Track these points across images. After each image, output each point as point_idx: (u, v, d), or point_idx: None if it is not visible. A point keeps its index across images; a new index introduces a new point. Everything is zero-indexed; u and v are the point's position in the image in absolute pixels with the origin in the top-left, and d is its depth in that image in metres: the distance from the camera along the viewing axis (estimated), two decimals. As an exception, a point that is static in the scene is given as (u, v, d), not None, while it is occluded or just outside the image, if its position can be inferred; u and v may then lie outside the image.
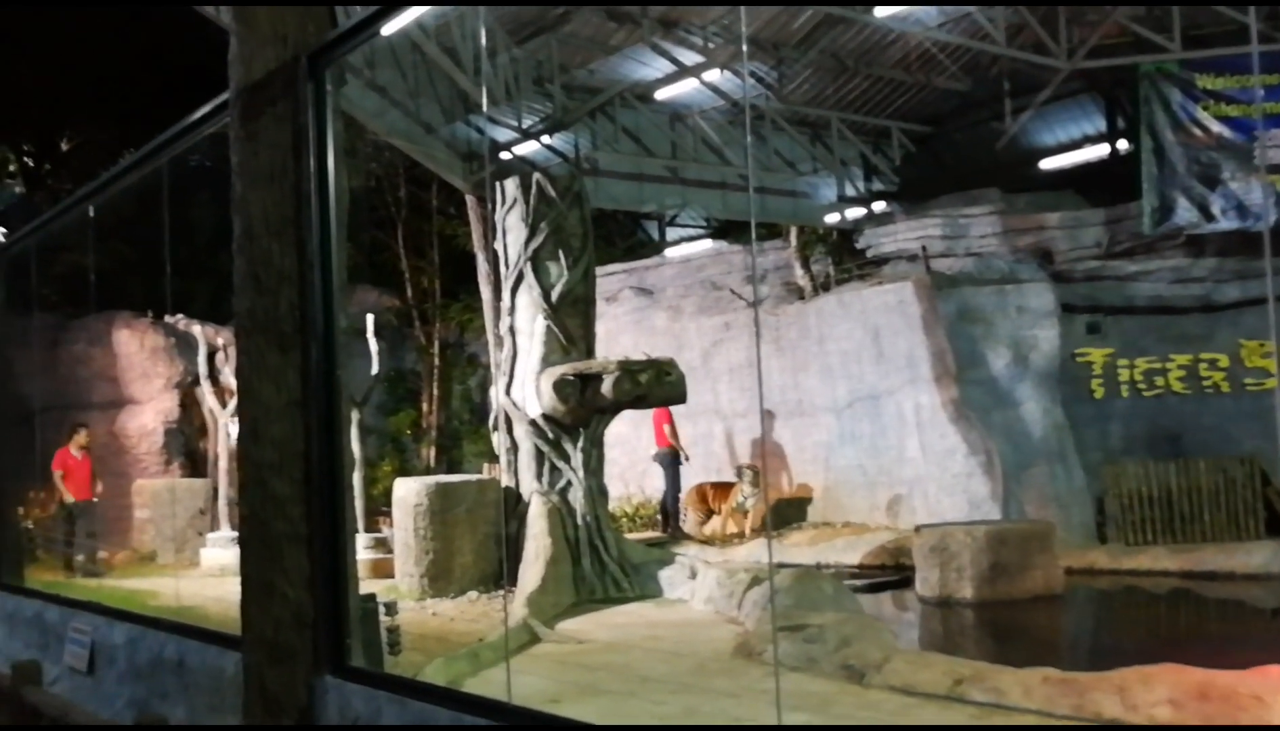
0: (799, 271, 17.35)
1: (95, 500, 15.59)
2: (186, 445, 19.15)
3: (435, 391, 20.94)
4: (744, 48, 14.55)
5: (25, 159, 32.11)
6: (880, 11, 13.13)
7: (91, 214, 10.45)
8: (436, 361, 21.07)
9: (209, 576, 13.59)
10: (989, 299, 14.82)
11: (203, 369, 16.20)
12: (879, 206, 17.60)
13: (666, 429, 15.47)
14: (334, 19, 5.80)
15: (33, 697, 5.78)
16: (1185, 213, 14.81)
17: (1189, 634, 10.40)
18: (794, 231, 17.48)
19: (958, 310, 14.73)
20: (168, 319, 17.70)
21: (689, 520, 15.67)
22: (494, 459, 14.71)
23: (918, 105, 17.10)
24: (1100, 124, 16.96)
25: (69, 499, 15.27)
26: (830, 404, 15.72)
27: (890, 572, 12.85)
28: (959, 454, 14.12)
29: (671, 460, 15.52)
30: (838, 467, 15.59)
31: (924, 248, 16.27)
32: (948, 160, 17.02)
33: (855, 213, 17.60)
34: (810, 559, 13.68)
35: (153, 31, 28.65)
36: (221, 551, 14.18)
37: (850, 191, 17.51)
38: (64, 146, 32.08)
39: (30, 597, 10.62)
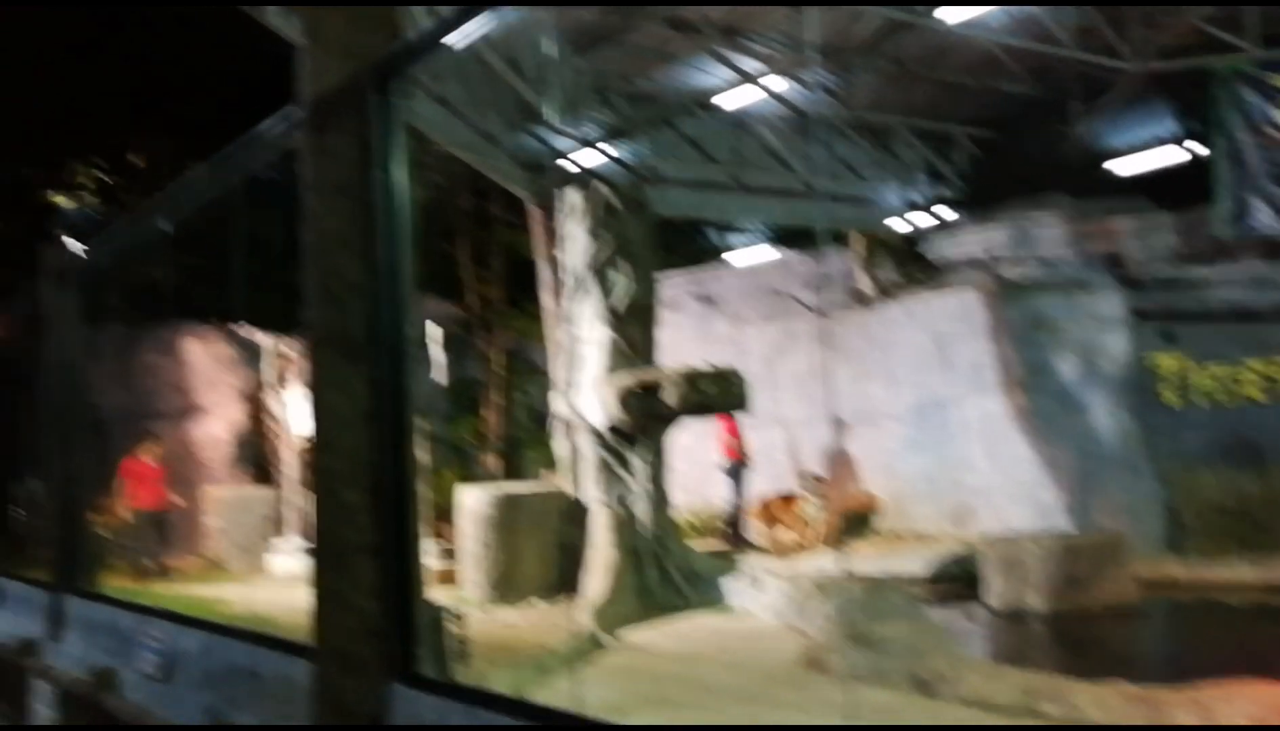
0: (862, 278, 17.20)
1: (159, 508, 15.81)
2: (253, 453, 19.37)
3: (497, 399, 21.03)
4: (811, 52, 14.44)
5: (98, 173, 32.84)
6: (945, 15, 12.96)
7: (166, 227, 10.62)
8: (499, 370, 21.16)
9: (278, 583, 13.76)
10: (1057, 305, 14.58)
11: (269, 378, 16.45)
12: (944, 212, 17.38)
13: (730, 439, 15.38)
14: (403, 32, 5.83)
15: (111, 704, 5.85)
16: (1262, 216, 14.42)
17: (1270, 648, 10.12)
18: (857, 238, 17.34)
19: (1025, 317, 14.51)
20: (236, 329, 17.98)
21: (756, 530, 15.56)
22: (555, 467, 14.73)
23: (983, 110, 16.85)
24: (1171, 126, 16.61)
25: (136, 506, 15.52)
26: (895, 412, 15.55)
27: (958, 583, 12.65)
28: (1027, 463, 13.90)
29: (736, 469, 15.43)
30: (903, 476, 15.40)
31: (990, 254, 16.05)
32: (1014, 165, 16.74)
33: (920, 219, 17.39)
34: (876, 569, 13.52)
35: (220, 45, 29.18)
36: (288, 558, 14.37)
37: (915, 198, 17.31)
38: (134, 160, 32.75)
39: (104, 603, 10.80)
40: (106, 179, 32.44)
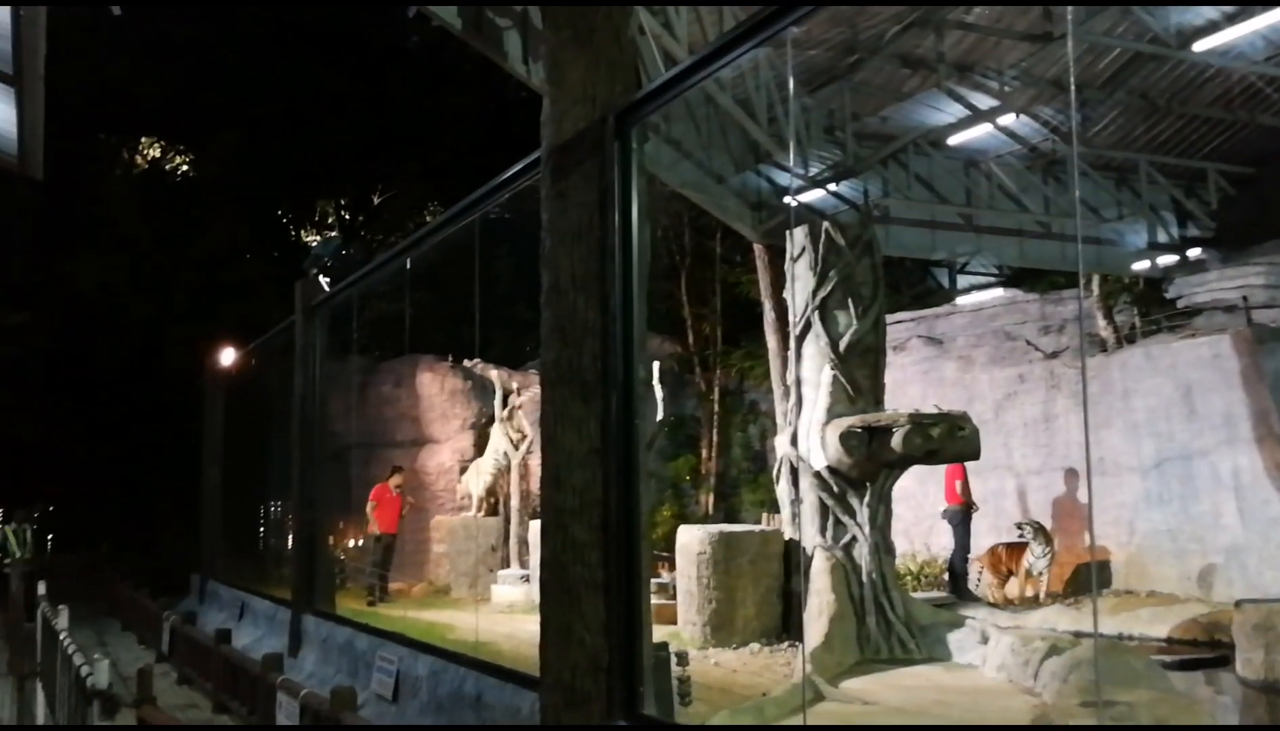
0: (1101, 322, 16.41)
1: (395, 534, 16.57)
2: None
3: (715, 438, 21.07)
4: (1049, 88, 13.96)
5: (343, 212, 34.89)
6: (1199, 47, 12.29)
7: (408, 266, 11.16)
8: (716, 408, 21.21)
9: (499, 612, 14.11)
10: (1321, 354, 13.52)
11: (498, 411, 16.97)
12: (1192, 253, 16.40)
13: (959, 485, 14.89)
14: (640, 79, 5.94)
15: (350, 722, 6.10)
16: None
17: None
18: (1096, 280, 16.57)
19: (1284, 366, 13.51)
20: (467, 363, 18.66)
21: (984, 581, 14.98)
22: (773, 508, 14.60)
23: (1238, 145, 15.85)
24: None
25: (376, 530, 16.28)
26: (1135, 463, 14.70)
27: (1204, 649, 11.83)
28: (1285, 522, 12.88)
29: (962, 517, 14.90)
30: (1143, 532, 14.53)
31: (1244, 297, 15.05)
32: (1273, 203, 15.66)
33: (1165, 260, 16.47)
34: (1113, 629, 12.79)
35: (458, 93, 30.62)
36: (510, 588, 14.71)
37: (1160, 238, 16.41)
38: (376, 200, 34.62)
39: (342, 624, 11.34)
40: (347, 217, 34.45)
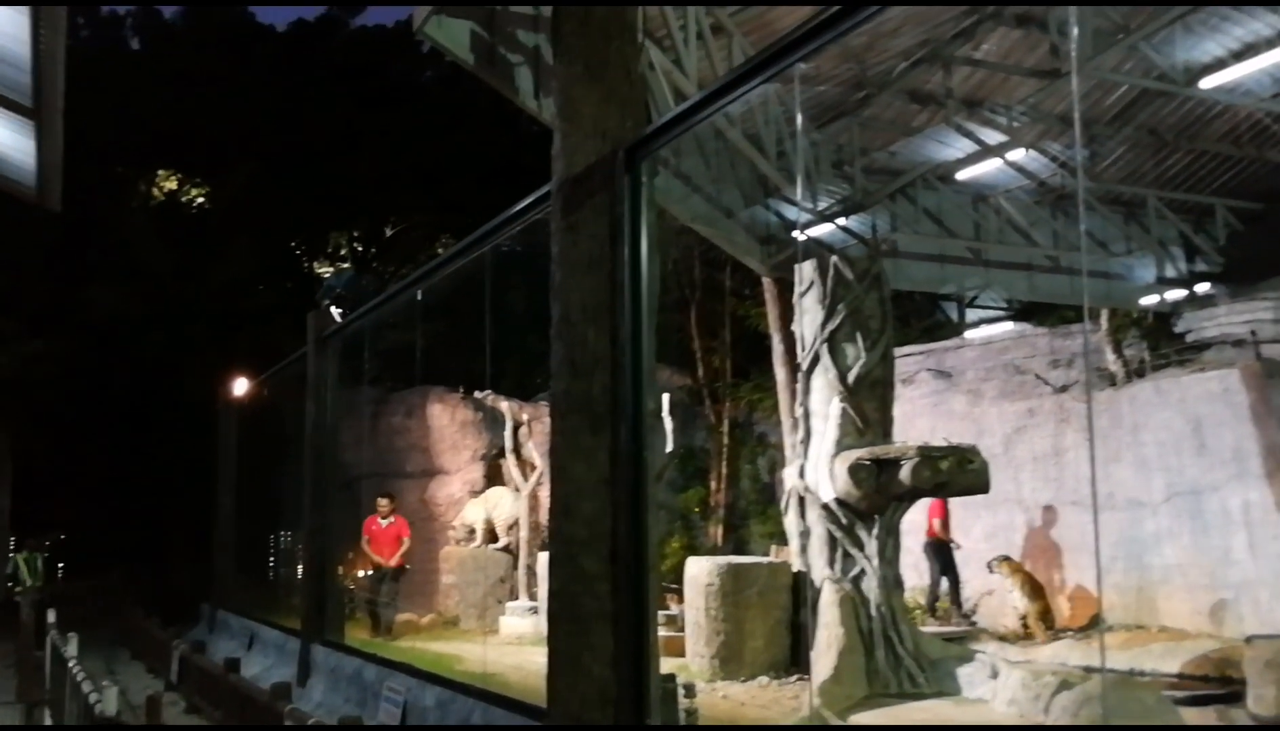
0: (1110, 356, 16.41)
1: (395, 565, 16.13)
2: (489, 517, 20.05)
3: (724, 470, 21.07)
4: (1057, 124, 14.05)
5: (355, 244, 35.14)
6: (1205, 84, 12.38)
7: (419, 297, 11.25)
8: (725, 440, 21.23)
9: (507, 644, 14.10)
10: (1331, 389, 13.49)
11: (508, 443, 17.00)
12: (1201, 288, 16.43)
13: (937, 523, 14.87)
14: (650, 113, 6.03)
15: (356, 752, 6.12)
16: None
17: None
18: (1105, 314, 16.59)
19: (1294, 400, 13.48)
20: (477, 394, 18.71)
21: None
22: (781, 540, 14.59)
23: (1247, 180, 15.92)
24: None
25: (377, 559, 16.13)
26: (1145, 498, 14.66)
27: (1215, 685, 11.75)
28: (1297, 558, 12.82)
29: (937, 550, 14.91)
30: (1153, 567, 14.46)
31: (1253, 332, 15.04)
32: (1282, 239, 15.72)
33: (1174, 295, 16.50)
34: (1124, 664, 12.72)
35: (470, 127, 30.91)
36: (519, 620, 14.70)
37: (1169, 272, 16.44)
38: (389, 232, 34.88)
39: (350, 655, 11.35)
40: (360, 249, 34.69)
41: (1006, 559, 14.74)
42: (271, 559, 21.87)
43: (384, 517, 16.20)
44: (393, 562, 15.98)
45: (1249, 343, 15.06)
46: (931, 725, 5.11)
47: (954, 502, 14.68)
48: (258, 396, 19.49)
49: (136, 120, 27.73)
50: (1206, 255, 16.57)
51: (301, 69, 31.80)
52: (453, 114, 30.94)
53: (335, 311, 14.37)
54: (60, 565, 28.94)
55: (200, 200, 32.60)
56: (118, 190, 29.33)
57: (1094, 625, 14.46)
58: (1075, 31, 11.90)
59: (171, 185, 32.95)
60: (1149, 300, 16.52)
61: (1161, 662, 12.70)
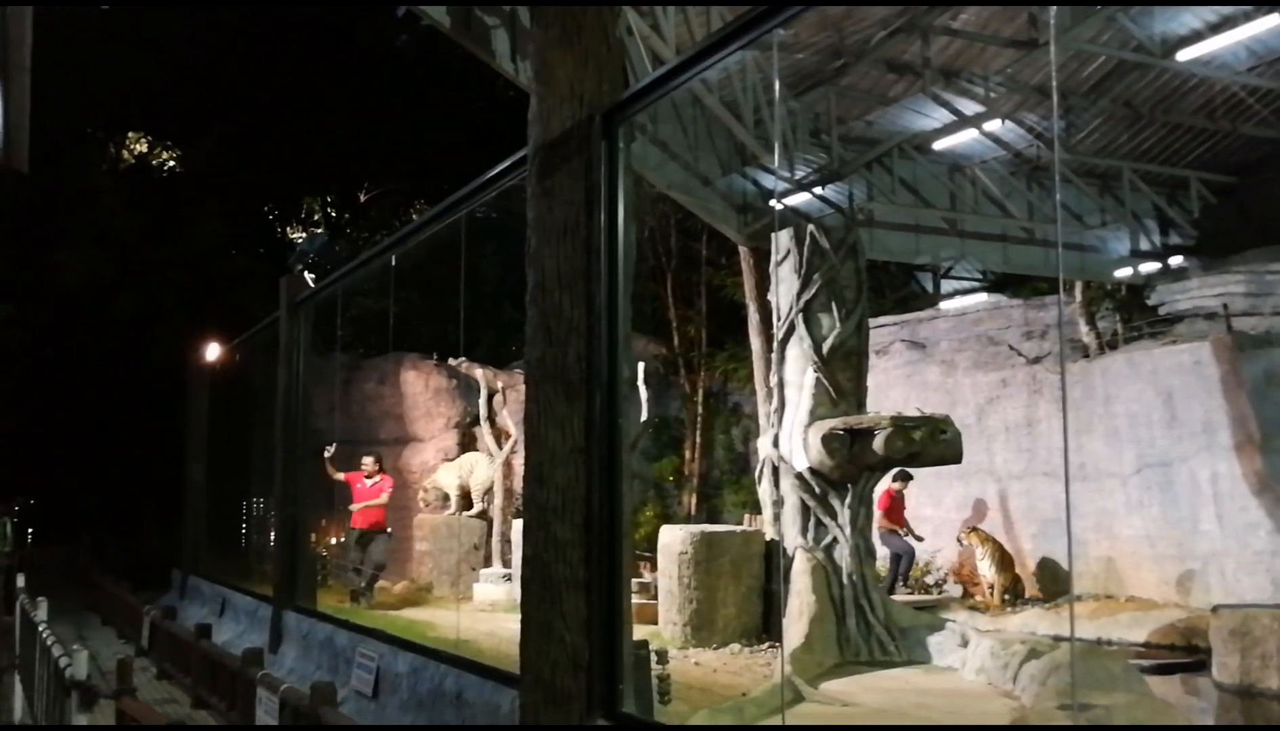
0: (1084, 328, 16.50)
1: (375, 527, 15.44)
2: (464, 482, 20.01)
3: (698, 439, 21.11)
4: (1034, 95, 14.04)
5: (329, 209, 34.84)
6: (1182, 56, 12.40)
7: (393, 263, 11.16)
8: (700, 410, 21.25)
9: (480, 610, 14.09)
10: (1300, 362, 13.63)
11: (483, 410, 16.93)
12: (1174, 261, 16.52)
13: (879, 514, 14.28)
14: (627, 79, 5.97)
15: (330, 718, 6.11)
16: None
17: None
18: (1079, 286, 16.67)
19: (1264, 373, 13.59)
20: (451, 361, 18.61)
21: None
22: (754, 510, 14.63)
23: (1220, 154, 15.99)
24: None
25: (338, 475, 15.42)
26: (1116, 469, 14.79)
27: (1181, 653, 11.94)
28: (1262, 529, 12.97)
29: (889, 538, 14.78)
30: (1122, 537, 14.62)
31: (1225, 305, 15.16)
32: (1254, 212, 15.78)
33: (1148, 267, 16.59)
34: (1092, 633, 12.89)
35: (445, 91, 30.61)
36: (493, 587, 14.68)
37: (1143, 245, 16.52)
38: (362, 198, 34.59)
39: (323, 621, 11.32)
40: (334, 214, 34.40)
41: (975, 529, 14.90)
42: (243, 525, 21.78)
43: (369, 477, 15.47)
44: (370, 527, 15.56)
45: (1220, 315, 15.18)
46: (935, 725, 5.14)
47: (925, 474, 14.73)
48: (229, 362, 19.33)
49: (106, 81, 27.29)
50: (1180, 228, 16.65)
51: (275, 31, 31.37)
52: (428, 78, 30.62)
53: (308, 277, 14.24)
54: (30, 530, 28.75)
55: (171, 163, 32.20)
56: (86, 152, 28.92)
57: (1062, 594, 14.63)
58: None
59: (141, 148, 32.51)
60: (1123, 272, 16.60)
61: (1129, 632, 12.87)
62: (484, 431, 16.95)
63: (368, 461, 15.76)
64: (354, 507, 15.27)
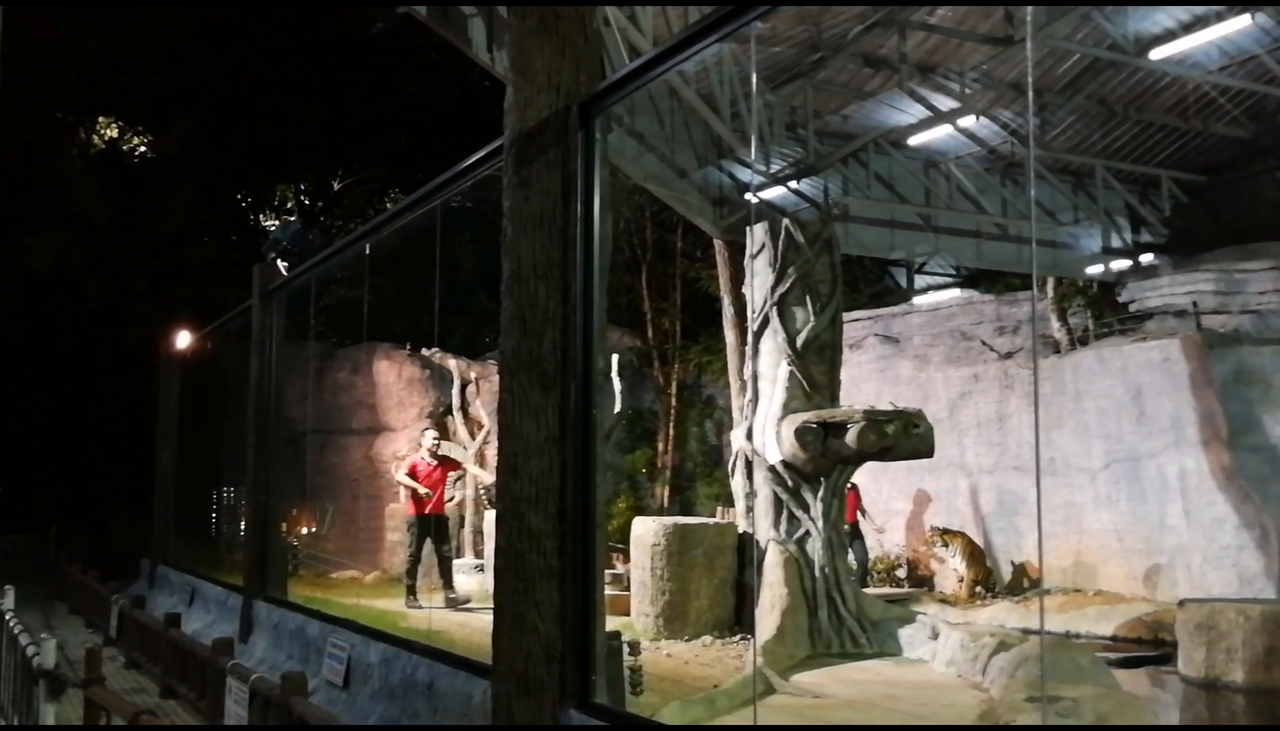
0: (1055, 324, 16.62)
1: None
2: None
3: (671, 432, 21.12)
4: (1009, 91, 14.12)
5: (303, 197, 34.60)
6: (1156, 55, 12.49)
7: (367, 252, 11.10)
8: (674, 402, 21.27)
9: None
10: (1269, 359, 13.78)
11: (455, 400, 16.91)
12: (1145, 259, 16.66)
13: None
14: (604, 69, 5.96)
15: (300, 708, 6.08)
16: None
17: None
18: (1051, 282, 16.79)
19: (1232, 370, 13.75)
20: (425, 352, 18.54)
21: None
22: (727, 502, 14.65)
23: (1192, 153, 16.14)
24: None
25: (421, 491, 13.39)
26: (1085, 464, 14.93)
27: (1148, 647, 12.06)
28: (1229, 525, 13.12)
29: (853, 533, 14.79)
30: (1091, 532, 14.76)
31: (1194, 303, 15.31)
32: (1224, 211, 15.94)
33: (1119, 264, 16.72)
34: (1060, 626, 13.00)
35: (421, 79, 30.44)
36: (465, 578, 14.65)
37: (1115, 242, 16.65)
38: (336, 185, 34.37)
39: (293, 611, 11.27)
40: (307, 202, 34.17)
41: (945, 530, 15.01)
42: (213, 514, 21.64)
43: (431, 457, 13.48)
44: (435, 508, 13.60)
45: (1190, 313, 15.32)
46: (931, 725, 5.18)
47: (897, 468, 14.83)
48: (201, 350, 19.19)
49: (76, 65, 26.99)
50: (1151, 226, 16.80)
51: (249, 16, 31.10)
52: (404, 66, 30.44)
53: (281, 265, 14.10)
54: (-4, 518, 28.46)
55: (142, 149, 31.88)
56: (56, 137, 28.60)
57: (1032, 588, 14.76)
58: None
59: (112, 133, 32.18)
60: (1094, 269, 16.73)
61: (1097, 625, 12.99)
62: (456, 421, 16.90)
63: (429, 437, 13.94)
64: (422, 491, 13.37)
